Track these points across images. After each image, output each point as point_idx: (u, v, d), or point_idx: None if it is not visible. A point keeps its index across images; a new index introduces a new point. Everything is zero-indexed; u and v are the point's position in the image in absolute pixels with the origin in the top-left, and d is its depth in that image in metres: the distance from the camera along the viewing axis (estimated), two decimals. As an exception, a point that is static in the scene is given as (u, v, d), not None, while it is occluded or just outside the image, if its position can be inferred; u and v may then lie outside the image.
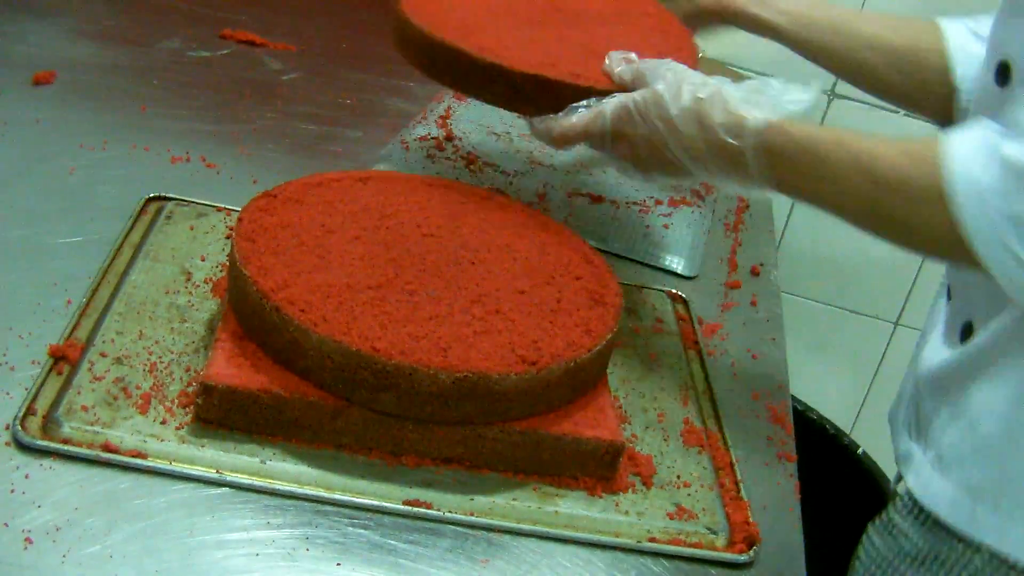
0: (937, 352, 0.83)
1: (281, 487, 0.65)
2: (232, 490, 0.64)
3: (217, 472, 0.64)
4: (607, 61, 0.87)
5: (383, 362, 0.65)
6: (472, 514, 0.67)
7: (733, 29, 1.03)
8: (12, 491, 0.59)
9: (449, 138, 1.20)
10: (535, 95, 0.86)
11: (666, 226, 1.13)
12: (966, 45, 0.91)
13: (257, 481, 0.65)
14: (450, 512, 0.66)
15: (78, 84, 1.10)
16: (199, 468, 0.64)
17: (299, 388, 0.68)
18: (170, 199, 0.91)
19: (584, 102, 0.84)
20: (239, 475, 0.65)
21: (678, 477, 0.74)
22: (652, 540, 0.68)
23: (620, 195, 1.17)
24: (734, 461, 0.77)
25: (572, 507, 0.69)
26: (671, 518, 0.71)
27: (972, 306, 0.79)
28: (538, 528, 0.67)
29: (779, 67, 1.79)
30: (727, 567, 0.68)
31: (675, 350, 0.90)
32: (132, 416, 0.66)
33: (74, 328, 0.72)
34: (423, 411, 0.68)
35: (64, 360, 0.69)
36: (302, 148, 1.10)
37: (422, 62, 0.93)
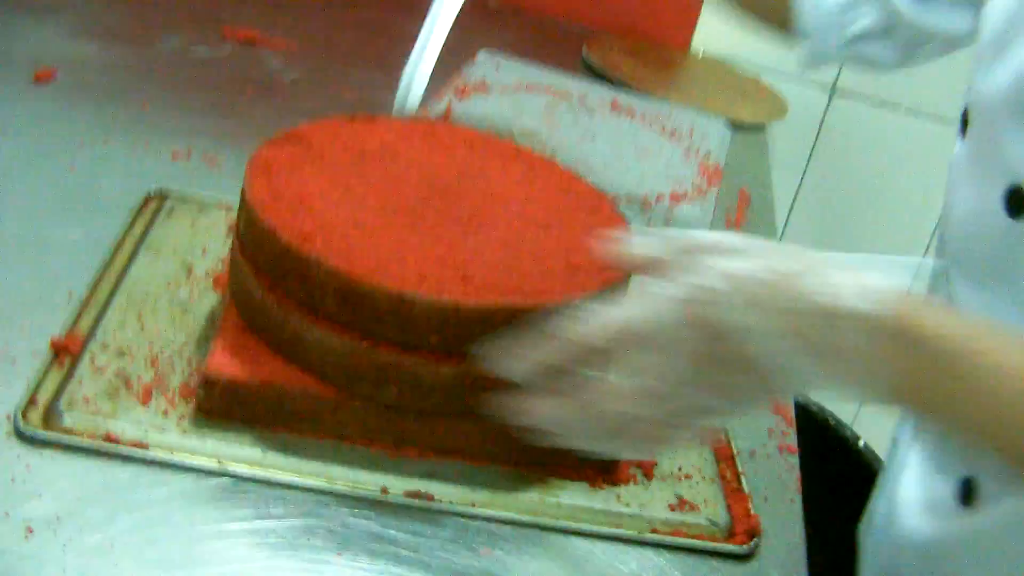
0: (922, 514, 0.70)
1: (282, 478, 0.65)
2: (233, 481, 0.64)
3: (218, 463, 0.64)
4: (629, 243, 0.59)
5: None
6: (474, 505, 0.67)
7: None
8: (13, 481, 0.59)
9: (450, 135, 1.20)
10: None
11: (668, 221, 1.14)
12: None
13: (258, 472, 0.65)
14: (451, 503, 0.66)
15: (79, 81, 1.10)
16: (200, 459, 0.64)
17: (300, 380, 0.68)
18: (171, 194, 0.91)
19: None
20: (240, 466, 0.65)
21: (679, 469, 0.74)
22: (653, 531, 0.68)
23: (622, 191, 1.17)
24: (735, 453, 0.77)
25: (573, 499, 0.69)
26: (672, 510, 0.71)
27: (977, 458, 0.65)
28: (539, 519, 0.67)
29: (779, 66, 1.80)
30: (728, 559, 0.68)
31: (676, 344, 0.90)
32: (133, 407, 0.66)
33: (76, 321, 0.72)
34: (425, 404, 0.68)
35: (66, 352, 0.69)
36: (303, 144, 1.10)
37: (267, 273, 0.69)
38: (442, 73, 1.40)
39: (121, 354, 0.71)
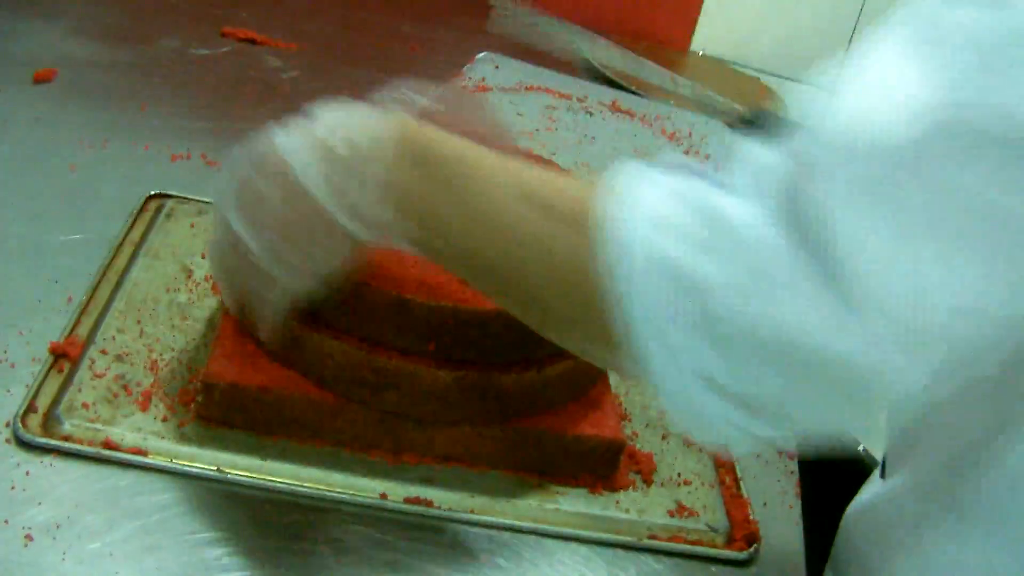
0: (860, 495, 0.71)
1: (281, 484, 0.65)
2: (232, 487, 0.64)
3: (217, 470, 0.64)
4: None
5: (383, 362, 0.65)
6: (473, 512, 0.67)
7: None
8: (12, 488, 0.59)
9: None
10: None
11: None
12: None
13: (257, 479, 0.65)
14: (451, 510, 0.66)
15: (78, 82, 1.10)
16: (199, 465, 0.64)
17: (299, 386, 0.68)
18: (171, 197, 0.91)
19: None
20: (239, 472, 0.65)
21: (679, 475, 0.74)
22: (652, 537, 0.68)
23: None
24: (734, 459, 0.77)
25: (572, 505, 0.70)
26: (672, 515, 0.71)
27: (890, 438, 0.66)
28: (539, 526, 0.67)
29: (780, 66, 1.80)
30: (727, 564, 0.68)
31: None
32: (133, 413, 0.66)
33: (75, 326, 0.72)
34: (424, 410, 0.68)
35: (65, 358, 0.69)
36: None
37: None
38: (442, 73, 1.40)
39: (120, 359, 0.70)
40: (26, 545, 0.56)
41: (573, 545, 0.67)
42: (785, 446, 0.67)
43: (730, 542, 0.70)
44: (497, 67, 1.46)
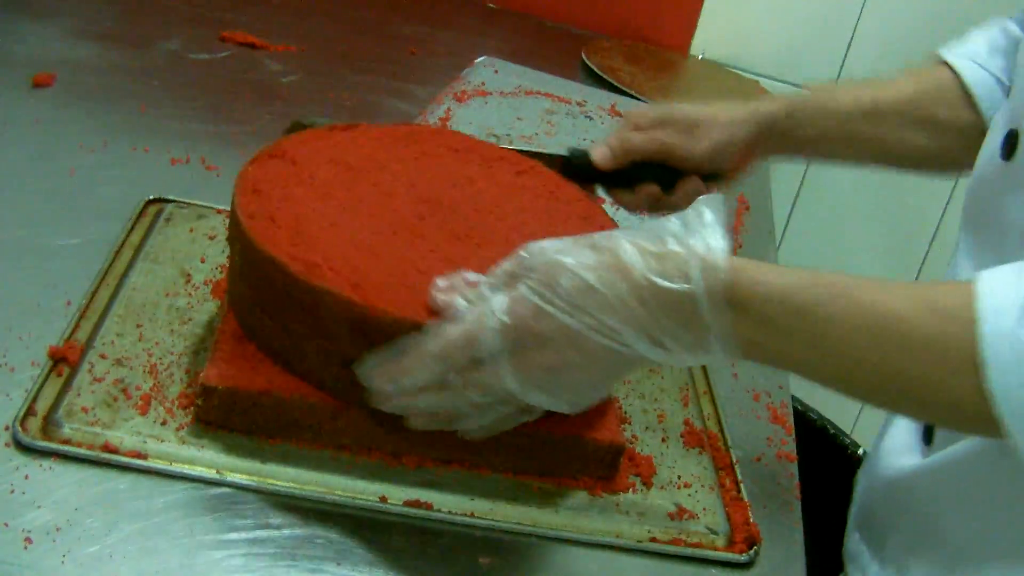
0: (896, 455, 0.74)
1: (281, 487, 0.65)
2: (232, 490, 0.64)
3: (217, 472, 0.64)
4: (433, 299, 0.63)
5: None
6: (472, 515, 0.67)
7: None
8: (12, 491, 0.59)
9: (449, 139, 1.20)
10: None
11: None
12: (974, 70, 0.86)
13: (257, 481, 0.65)
14: (450, 512, 0.66)
15: (78, 85, 1.10)
16: (199, 468, 0.64)
17: (299, 389, 0.67)
18: (170, 201, 0.91)
19: (430, 326, 0.61)
20: (239, 475, 0.65)
21: (678, 477, 0.74)
22: (653, 540, 0.68)
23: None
24: (734, 461, 0.77)
25: (572, 507, 0.69)
26: (671, 518, 0.71)
27: None
28: (538, 529, 0.67)
29: (781, 66, 1.80)
30: (727, 567, 0.68)
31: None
32: (132, 417, 0.66)
33: (74, 329, 0.72)
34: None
35: (64, 361, 0.69)
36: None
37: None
38: (441, 77, 1.40)
39: (119, 363, 0.70)
40: (26, 548, 0.56)
41: (573, 548, 0.67)
42: None
43: (730, 544, 0.70)
44: (496, 71, 1.47)
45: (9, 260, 0.79)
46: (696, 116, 0.85)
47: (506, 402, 0.61)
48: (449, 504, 0.67)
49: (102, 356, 0.71)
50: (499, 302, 0.59)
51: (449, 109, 1.28)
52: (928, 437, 0.72)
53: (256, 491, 0.64)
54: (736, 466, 0.77)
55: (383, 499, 0.66)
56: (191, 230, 0.87)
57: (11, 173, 0.91)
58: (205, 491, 0.63)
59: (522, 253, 0.60)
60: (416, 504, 0.66)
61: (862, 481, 0.86)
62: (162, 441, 0.65)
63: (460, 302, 0.61)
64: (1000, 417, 0.51)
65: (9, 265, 0.78)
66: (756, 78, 1.76)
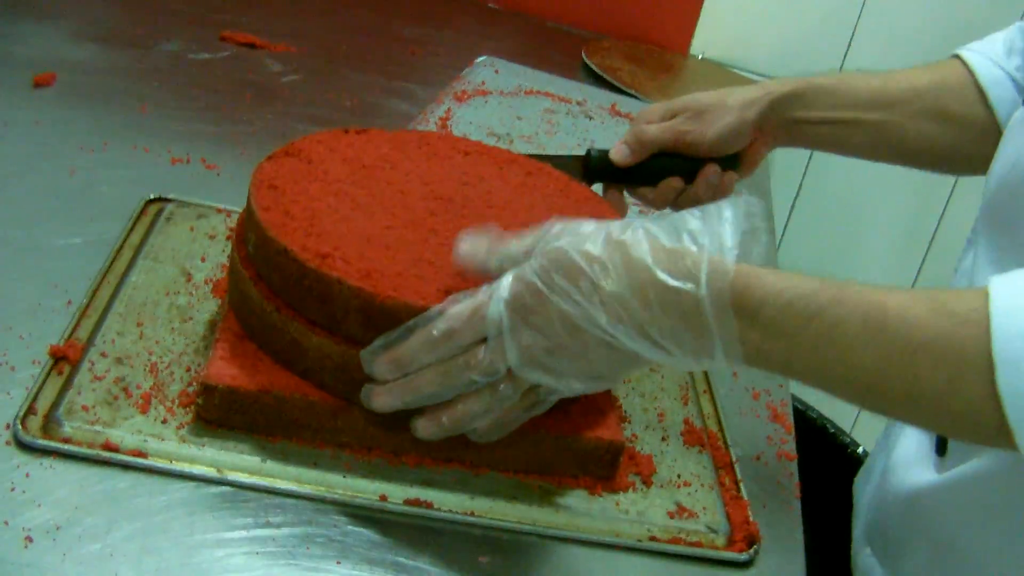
0: (908, 468, 0.73)
1: (281, 486, 0.65)
2: (232, 489, 0.64)
3: (217, 471, 0.64)
4: (457, 249, 0.64)
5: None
6: (472, 513, 0.67)
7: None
8: (12, 490, 0.59)
9: (449, 139, 1.20)
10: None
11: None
12: (989, 67, 0.85)
13: (257, 480, 0.65)
14: (450, 511, 0.66)
15: (78, 86, 1.10)
16: (199, 467, 0.64)
17: (299, 388, 0.68)
18: (170, 200, 0.91)
19: (437, 307, 0.62)
20: (239, 474, 0.65)
21: (678, 476, 0.74)
22: (652, 539, 0.68)
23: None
24: (734, 460, 0.77)
25: (572, 506, 0.70)
26: (671, 517, 0.71)
27: None
28: (538, 527, 0.67)
29: (780, 66, 1.80)
30: (727, 566, 0.68)
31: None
32: (133, 416, 0.66)
33: (75, 328, 0.72)
34: (423, 411, 0.68)
35: (65, 360, 0.69)
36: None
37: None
38: (441, 77, 1.41)
39: (120, 362, 0.71)
40: (26, 546, 0.56)
41: (573, 547, 0.67)
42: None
43: (730, 543, 0.70)
44: (497, 71, 1.47)
45: (10, 259, 0.79)
46: (706, 101, 0.86)
47: (508, 387, 0.61)
48: (449, 503, 0.67)
49: (103, 355, 0.71)
50: (507, 280, 0.59)
51: (449, 109, 1.29)
52: (941, 448, 0.71)
53: (256, 490, 0.64)
54: (736, 465, 0.77)
55: (383, 498, 0.66)
56: (191, 229, 0.88)
57: (12, 173, 0.91)
58: (205, 490, 0.64)
59: (549, 227, 0.61)
60: (416, 503, 0.66)
61: (869, 491, 0.85)
62: (162, 440, 0.65)
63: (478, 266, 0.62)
64: (1009, 423, 0.50)
65: (10, 264, 0.78)
66: (756, 78, 1.76)
